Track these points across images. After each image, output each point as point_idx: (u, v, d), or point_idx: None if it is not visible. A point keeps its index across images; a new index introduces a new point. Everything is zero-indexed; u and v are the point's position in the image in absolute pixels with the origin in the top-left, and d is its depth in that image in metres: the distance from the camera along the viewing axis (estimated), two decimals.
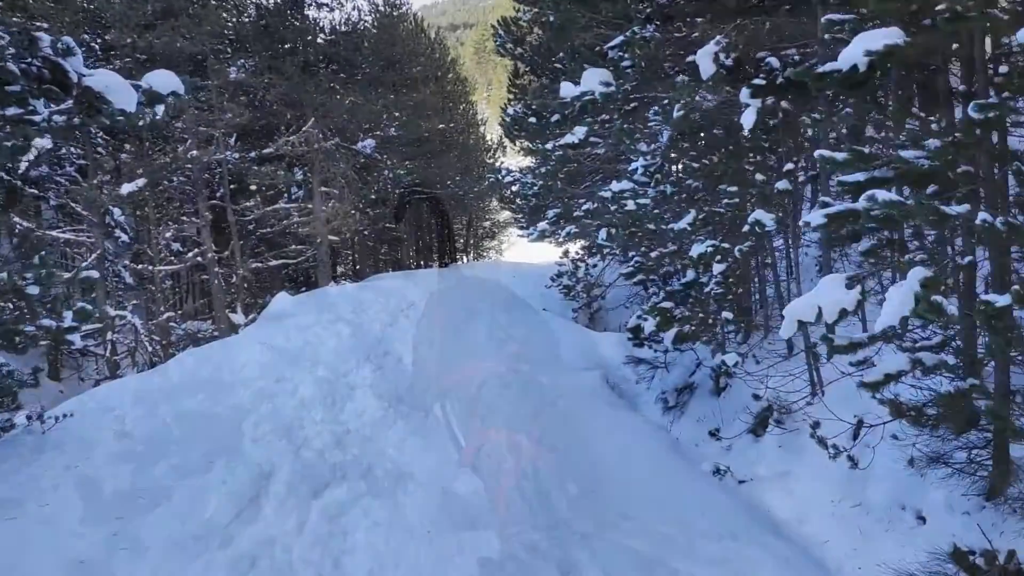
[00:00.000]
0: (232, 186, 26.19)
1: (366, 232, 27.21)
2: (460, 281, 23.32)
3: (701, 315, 9.07)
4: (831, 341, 5.52)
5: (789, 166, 7.39)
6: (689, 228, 9.44)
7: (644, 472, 7.06)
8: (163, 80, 8.54)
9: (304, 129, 23.82)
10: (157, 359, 21.76)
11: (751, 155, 8.47)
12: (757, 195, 7.81)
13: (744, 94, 7.76)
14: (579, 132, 16.51)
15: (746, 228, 7.77)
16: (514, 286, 21.55)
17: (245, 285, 24.75)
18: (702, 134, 9.73)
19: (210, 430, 8.17)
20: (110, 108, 8.09)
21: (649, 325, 9.33)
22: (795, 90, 7.69)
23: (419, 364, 12.26)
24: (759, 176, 7.72)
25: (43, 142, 18.96)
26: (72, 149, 24.51)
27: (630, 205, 9.59)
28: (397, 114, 27.72)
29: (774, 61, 7.47)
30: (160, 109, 8.80)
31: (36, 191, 24.50)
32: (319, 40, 24.84)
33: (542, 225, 16.49)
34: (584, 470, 7.03)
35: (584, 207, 15.68)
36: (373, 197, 26.31)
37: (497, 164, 27.15)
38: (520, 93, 19.70)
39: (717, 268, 7.99)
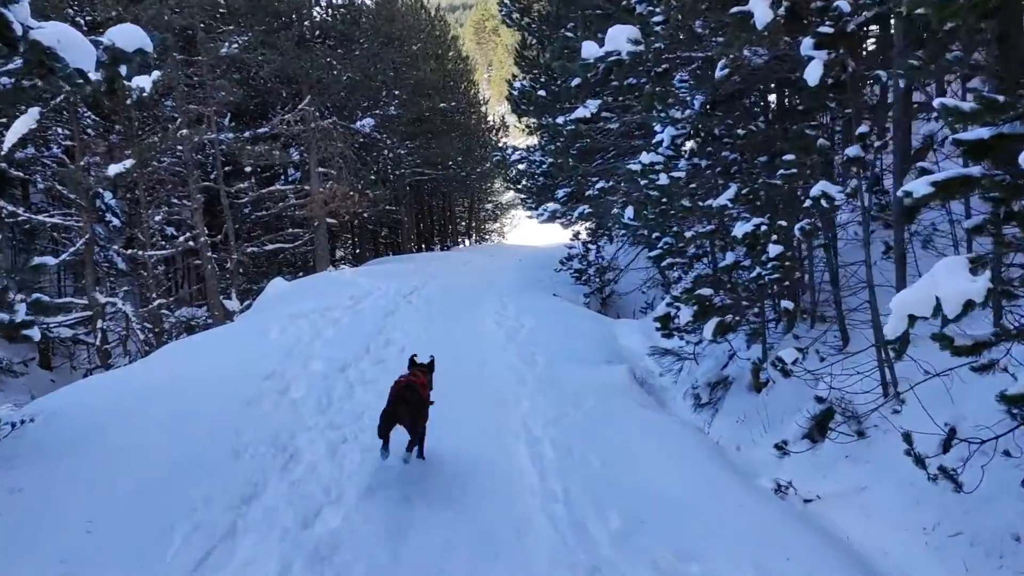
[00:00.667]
0: (227, 168, 24.89)
1: (366, 215, 25.92)
2: (464, 265, 22.11)
3: (745, 303, 7.86)
4: (950, 341, 4.32)
5: (863, 128, 6.17)
6: (730, 204, 8.20)
7: (697, 492, 5.85)
8: (127, 35, 7.22)
9: (300, 107, 22.52)
10: (148, 348, 20.60)
11: (812, 118, 7.23)
12: (818, 164, 6.57)
13: (806, 45, 6.52)
14: (592, 105, 15.27)
15: (807, 203, 6.52)
16: (521, 270, 20.34)
17: (240, 270, 23.52)
18: (743, 97, 8.48)
19: (184, 439, 6.95)
20: (64, 68, 6.71)
21: (685, 314, 8.11)
22: (867, 39, 6.45)
23: (423, 356, 11.06)
24: (822, 142, 6.50)
25: (27, 119, 17.74)
26: (60, 130, 23.27)
27: (662, 179, 8.34)
28: (397, 92, 26.42)
29: (844, 5, 6.21)
30: (126, 70, 7.50)
31: (22, 173, 23.31)
32: (315, 13, 23.47)
33: (552, 206, 15.23)
34: (625, 491, 5.81)
35: (598, 185, 14.44)
36: (373, 178, 25.02)
37: (501, 143, 25.80)
38: (529, 66, 18.42)
39: (774, 250, 6.78)
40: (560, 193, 16.10)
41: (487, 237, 45.38)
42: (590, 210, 14.41)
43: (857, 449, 6.57)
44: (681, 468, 6.34)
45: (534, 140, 23.31)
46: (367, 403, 8.86)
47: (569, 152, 15.09)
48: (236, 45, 21.11)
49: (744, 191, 8.02)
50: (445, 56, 33.46)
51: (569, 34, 15.50)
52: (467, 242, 41.84)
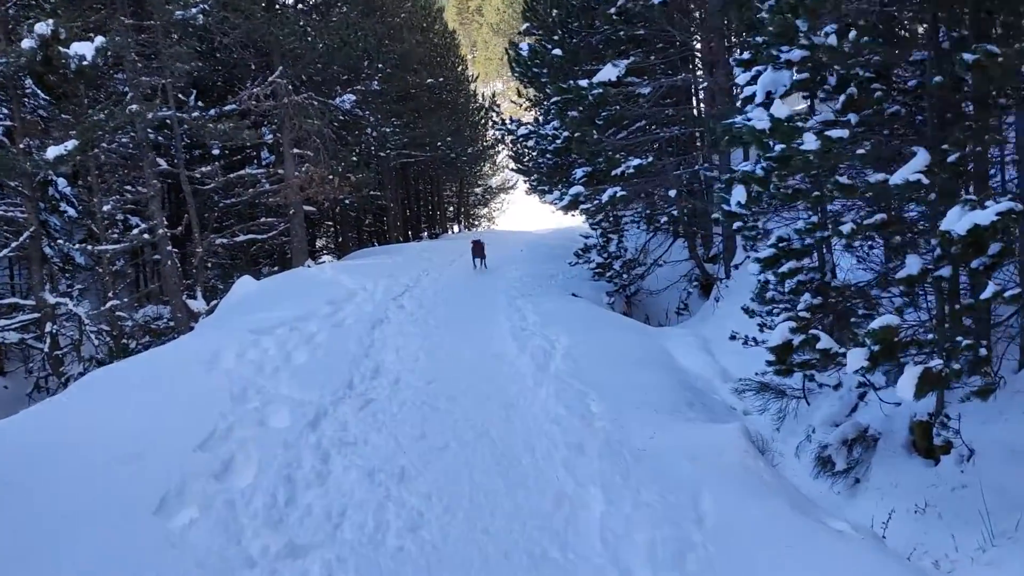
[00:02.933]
0: (195, 151, 21.17)
1: (347, 201, 22.21)
2: (460, 256, 18.57)
3: (966, 340, 4.57)
4: None
5: None
6: (924, 181, 4.84)
7: None
8: None
9: (271, 79, 18.81)
10: (110, 351, 17.13)
11: None
12: None
13: None
14: (620, 65, 11.94)
15: None
16: (527, 262, 16.92)
17: (207, 264, 19.85)
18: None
19: None
20: None
21: (854, 358, 4.77)
22: None
23: (424, 393, 7.69)
24: None
25: None
26: (3, 109, 19.51)
27: (809, 142, 4.99)
28: (380, 66, 22.72)
29: None
30: None
31: None
32: None
33: (575, 189, 11.81)
34: None
35: (635, 164, 11.05)
36: (354, 160, 21.29)
37: (503, 118, 22.17)
38: (540, 24, 14.92)
39: None
40: (579, 173, 12.72)
41: (476, 223, 41.75)
42: (624, 193, 11.04)
43: None
44: None
45: (535, 115, 19.84)
46: (350, 491, 5.49)
47: (594, 122, 11.69)
48: (196, 8, 17.34)
49: (953, 158, 4.71)
50: (431, 29, 29.70)
51: None
52: (457, 228, 38.22)
